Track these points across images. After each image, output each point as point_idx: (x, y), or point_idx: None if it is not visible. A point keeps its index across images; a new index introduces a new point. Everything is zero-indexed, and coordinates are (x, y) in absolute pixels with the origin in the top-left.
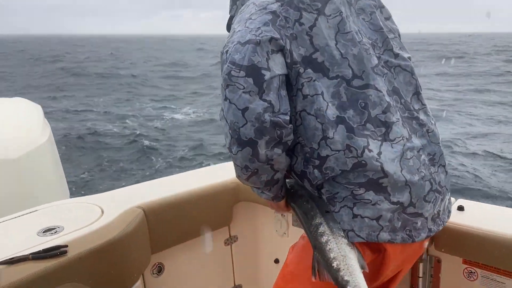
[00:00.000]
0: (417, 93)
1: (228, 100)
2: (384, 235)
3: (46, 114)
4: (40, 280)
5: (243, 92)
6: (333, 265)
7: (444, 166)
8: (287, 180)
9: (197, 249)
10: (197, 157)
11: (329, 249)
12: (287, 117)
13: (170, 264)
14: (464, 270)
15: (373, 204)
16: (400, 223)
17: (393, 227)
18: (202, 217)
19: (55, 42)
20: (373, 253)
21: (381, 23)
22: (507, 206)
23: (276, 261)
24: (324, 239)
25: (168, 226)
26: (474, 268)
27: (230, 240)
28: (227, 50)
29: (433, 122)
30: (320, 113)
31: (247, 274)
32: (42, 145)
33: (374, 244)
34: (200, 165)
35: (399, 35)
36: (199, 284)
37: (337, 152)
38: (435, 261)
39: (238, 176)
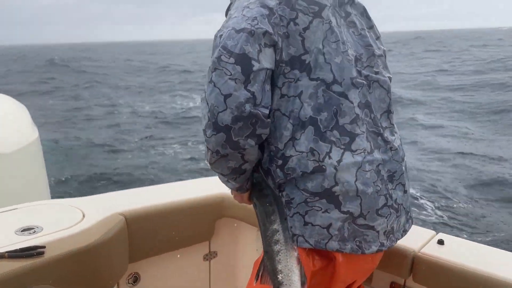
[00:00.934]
0: (388, 112)
1: (213, 83)
2: (333, 244)
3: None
4: (14, 280)
5: (229, 78)
6: (278, 276)
7: (403, 185)
8: (255, 175)
9: (175, 262)
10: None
11: (279, 259)
12: (267, 111)
13: (147, 275)
14: None
15: (323, 212)
16: (349, 233)
17: (342, 236)
18: (183, 229)
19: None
20: (323, 260)
21: (370, 40)
22: (485, 244)
23: None
24: (276, 248)
25: (149, 235)
26: None
27: (210, 256)
28: (221, 35)
29: (398, 142)
30: (293, 114)
31: None
32: (31, 144)
33: (324, 252)
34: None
35: (385, 55)
36: None
37: (301, 153)
38: None
39: (206, 160)
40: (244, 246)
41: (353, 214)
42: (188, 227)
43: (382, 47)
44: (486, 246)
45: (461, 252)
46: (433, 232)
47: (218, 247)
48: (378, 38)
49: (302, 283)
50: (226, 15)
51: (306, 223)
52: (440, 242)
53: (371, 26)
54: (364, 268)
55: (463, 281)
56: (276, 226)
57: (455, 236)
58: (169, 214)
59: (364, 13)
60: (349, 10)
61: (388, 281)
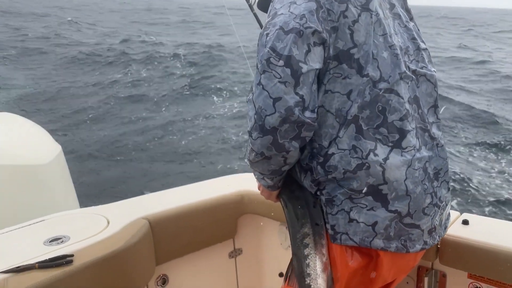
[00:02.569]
0: (434, 106)
1: (261, 86)
2: (378, 242)
3: None
4: None
5: (279, 81)
6: (305, 280)
7: (447, 182)
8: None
9: (201, 261)
10: None
11: (307, 263)
12: (314, 115)
13: (175, 276)
14: (469, 284)
15: (369, 210)
16: (395, 232)
17: (387, 235)
18: (206, 229)
19: None
20: (363, 258)
21: (415, 33)
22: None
23: (281, 274)
24: (306, 251)
25: (173, 237)
26: (480, 282)
27: (235, 253)
28: (268, 33)
29: (442, 138)
30: (340, 113)
31: (252, 287)
32: (58, 155)
33: (365, 249)
34: None
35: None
36: None
37: (343, 151)
38: (440, 275)
39: (248, 159)
40: (268, 241)
41: (401, 213)
42: (211, 226)
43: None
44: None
45: (487, 231)
46: (457, 213)
47: (242, 244)
48: (419, 31)
49: None
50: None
51: (351, 220)
52: (465, 222)
53: (411, 18)
54: (406, 266)
55: (491, 259)
56: (307, 229)
57: (480, 215)
58: (191, 215)
59: (404, 4)
60: (393, 2)
61: (415, 266)
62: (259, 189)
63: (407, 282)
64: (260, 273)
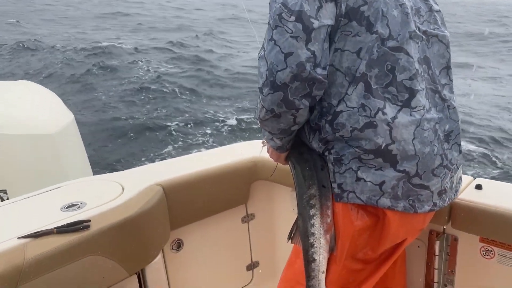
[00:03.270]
0: (447, 68)
1: (273, 41)
2: (385, 201)
3: None
4: (64, 253)
5: (291, 36)
6: (309, 238)
7: (459, 145)
8: (296, 138)
9: (215, 226)
10: None
11: (312, 223)
12: (325, 72)
13: (189, 240)
14: (481, 248)
15: (377, 169)
16: (403, 192)
17: (395, 194)
18: (220, 195)
19: None
20: (370, 217)
21: None
22: None
23: None
24: (312, 212)
25: (187, 203)
26: (491, 246)
27: (247, 218)
28: None
29: (455, 100)
30: (350, 71)
31: (264, 251)
32: (70, 124)
33: (372, 209)
34: None
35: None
36: (218, 260)
37: (351, 109)
38: (452, 239)
39: (258, 117)
40: (280, 207)
41: (409, 173)
42: (224, 192)
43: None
44: None
45: (500, 196)
46: (471, 178)
47: (255, 209)
48: None
49: (331, 249)
50: None
51: (358, 179)
52: (478, 187)
53: None
54: (415, 227)
55: (503, 223)
56: (314, 191)
57: (494, 180)
58: (204, 181)
59: None
60: None
61: (427, 230)
62: (268, 152)
63: (418, 246)
64: (272, 238)
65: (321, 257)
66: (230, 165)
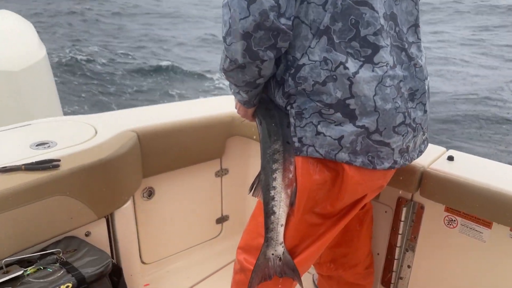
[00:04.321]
0: (415, 26)
1: None
2: (343, 155)
3: None
4: (32, 190)
5: None
6: (270, 192)
7: (424, 104)
8: (263, 94)
9: (188, 177)
10: None
11: (274, 177)
12: (290, 22)
13: (161, 190)
14: (445, 217)
15: (337, 125)
16: (362, 147)
17: (354, 149)
18: (195, 147)
19: None
20: (329, 171)
21: None
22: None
23: None
24: (275, 166)
25: (161, 152)
26: (455, 216)
27: (221, 172)
28: None
29: (423, 59)
30: (315, 24)
31: (235, 206)
32: (40, 61)
33: (332, 163)
34: None
35: None
36: (188, 212)
37: (313, 62)
38: (418, 207)
39: (222, 68)
40: (255, 163)
41: (368, 129)
42: (199, 145)
43: None
44: (497, 162)
45: (470, 168)
46: (443, 149)
47: (229, 164)
48: None
49: (291, 203)
50: None
51: (318, 133)
52: (450, 158)
53: None
54: (374, 184)
55: (469, 195)
56: (278, 146)
57: (466, 153)
58: (180, 131)
59: None
60: None
61: (395, 196)
62: (236, 107)
63: (386, 211)
64: (244, 193)
65: (281, 210)
66: (208, 118)
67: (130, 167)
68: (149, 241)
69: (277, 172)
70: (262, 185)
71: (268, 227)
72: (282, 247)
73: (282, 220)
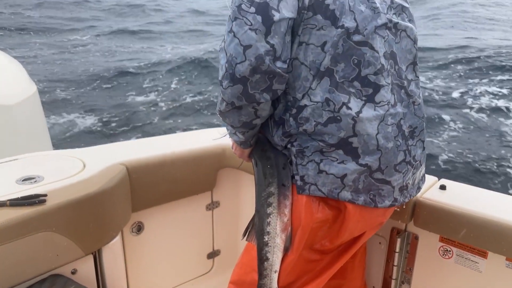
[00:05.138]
0: (413, 63)
1: (233, 33)
2: (346, 194)
3: None
4: (17, 226)
5: (250, 29)
6: (264, 237)
7: (423, 141)
8: (260, 135)
9: (178, 211)
10: None
11: (268, 222)
12: (285, 66)
13: (150, 224)
14: (440, 247)
15: (339, 163)
16: (364, 185)
17: (356, 188)
18: (185, 179)
19: None
20: (331, 210)
21: None
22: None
23: None
24: (269, 210)
25: (151, 185)
26: (450, 246)
27: (212, 206)
28: None
29: (420, 96)
30: (314, 65)
31: (227, 240)
32: (32, 96)
33: (334, 202)
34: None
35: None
36: (178, 247)
37: (315, 103)
38: (413, 237)
39: (218, 110)
40: (246, 196)
41: (371, 167)
42: (190, 178)
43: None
44: (488, 190)
45: (463, 197)
46: (435, 178)
47: (221, 197)
48: None
49: (286, 249)
50: None
51: (320, 171)
52: (442, 187)
53: None
54: (374, 222)
55: (464, 224)
56: (273, 189)
57: (458, 182)
58: (170, 164)
59: None
60: None
61: (389, 227)
62: (232, 147)
63: (380, 243)
64: (235, 227)
65: (274, 256)
66: (198, 150)
67: (118, 201)
68: (138, 278)
69: (271, 216)
70: (256, 230)
71: (261, 273)
72: None
73: (276, 267)
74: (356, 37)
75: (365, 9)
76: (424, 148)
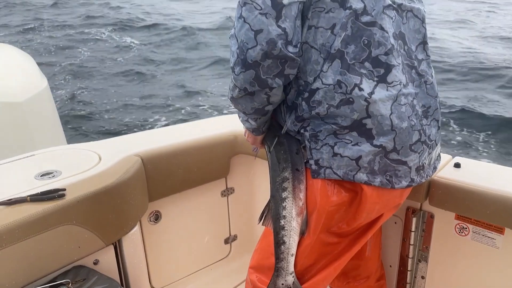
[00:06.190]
0: (423, 43)
1: (243, 19)
2: (362, 176)
3: None
4: (38, 221)
5: (260, 13)
6: (280, 221)
7: (437, 120)
8: (272, 121)
9: (194, 199)
10: None
11: (284, 206)
12: (297, 50)
13: (167, 213)
14: (456, 225)
15: (354, 145)
16: (380, 167)
17: (371, 169)
18: (199, 167)
19: None
20: (348, 192)
21: None
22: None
23: None
24: (284, 194)
25: (166, 175)
26: (466, 223)
27: (227, 192)
28: None
29: (433, 75)
30: (324, 48)
31: (243, 225)
32: (42, 91)
33: (349, 184)
34: None
35: None
36: (196, 233)
37: (327, 86)
38: (428, 216)
39: (231, 96)
40: (260, 181)
41: (386, 148)
42: (204, 165)
43: None
44: (504, 166)
45: (478, 174)
46: (450, 156)
47: (235, 183)
48: None
49: (302, 232)
50: None
51: (335, 154)
52: (457, 165)
53: None
54: (391, 203)
55: (479, 201)
56: (287, 174)
57: (472, 159)
58: (184, 153)
59: None
60: None
61: (404, 206)
62: (244, 134)
63: (395, 222)
64: (251, 212)
65: (291, 239)
66: (211, 138)
67: (135, 192)
68: (158, 266)
69: (286, 200)
70: (272, 214)
71: (278, 257)
72: (293, 277)
73: (293, 250)
74: (365, 18)
75: None
76: (439, 128)
